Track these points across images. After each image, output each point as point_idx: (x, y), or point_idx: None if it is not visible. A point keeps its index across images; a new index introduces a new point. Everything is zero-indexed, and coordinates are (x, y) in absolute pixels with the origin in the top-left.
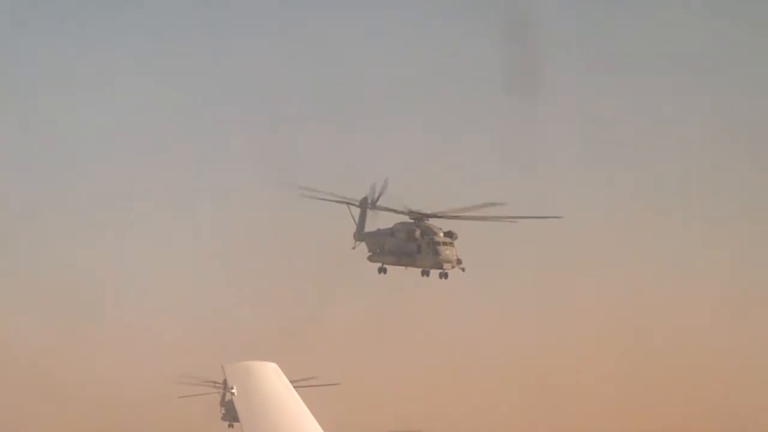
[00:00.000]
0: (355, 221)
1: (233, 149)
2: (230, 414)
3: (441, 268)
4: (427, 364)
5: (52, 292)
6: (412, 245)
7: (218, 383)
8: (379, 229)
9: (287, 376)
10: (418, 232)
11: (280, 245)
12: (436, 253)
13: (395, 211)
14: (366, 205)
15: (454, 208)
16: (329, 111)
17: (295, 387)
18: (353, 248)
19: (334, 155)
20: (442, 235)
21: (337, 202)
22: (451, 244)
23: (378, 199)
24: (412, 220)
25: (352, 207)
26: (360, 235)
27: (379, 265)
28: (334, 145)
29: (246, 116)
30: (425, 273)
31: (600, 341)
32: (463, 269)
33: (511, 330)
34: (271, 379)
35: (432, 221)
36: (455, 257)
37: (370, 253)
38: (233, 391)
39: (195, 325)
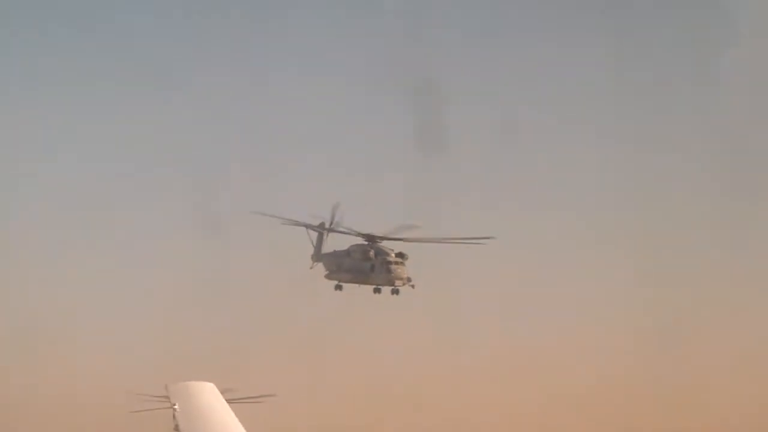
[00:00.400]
0: (312, 244)
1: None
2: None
3: (393, 284)
4: (371, 377)
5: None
6: (366, 264)
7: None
8: (335, 251)
9: (233, 390)
10: (372, 252)
11: (237, 267)
12: (389, 271)
13: (352, 233)
14: (323, 228)
15: (399, 229)
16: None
17: (235, 401)
18: (311, 268)
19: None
20: (393, 255)
21: (296, 225)
22: (402, 263)
23: (332, 223)
24: (367, 242)
25: (309, 230)
26: (317, 256)
27: (336, 282)
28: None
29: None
30: (377, 290)
31: (540, 361)
32: (412, 286)
33: (453, 346)
34: (209, 397)
35: (384, 243)
36: (406, 275)
37: (327, 272)
38: (176, 407)
39: (148, 344)
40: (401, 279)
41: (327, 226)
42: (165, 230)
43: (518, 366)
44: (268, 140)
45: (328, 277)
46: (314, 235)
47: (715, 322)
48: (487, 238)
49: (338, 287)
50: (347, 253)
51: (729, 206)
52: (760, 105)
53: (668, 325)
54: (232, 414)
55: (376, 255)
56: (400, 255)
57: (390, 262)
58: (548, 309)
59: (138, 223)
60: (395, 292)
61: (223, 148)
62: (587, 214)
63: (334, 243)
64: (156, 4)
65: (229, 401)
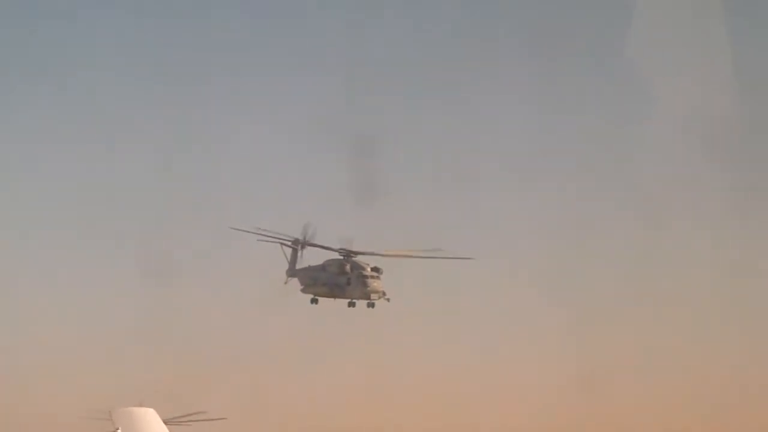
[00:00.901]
0: (287, 259)
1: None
2: None
3: (369, 298)
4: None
5: None
6: (342, 278)
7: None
8: (309, 266)
9: (184, 410)
10: (348, 267)
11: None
12: (365, 285)
13: (329, 249)
14: (298, 244)
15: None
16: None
17: (185, 422)
18: (285, 283)
19: None
20: (369, 269)
21: (272, 240)
22: (378, 277)
23: (305, 239)
24: (342, 257)
25: (284, 247)
26: (292, 271)
27: (311, 296)
28: None
29: None
30: (351, 304)
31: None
32: (388, 299)
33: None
34: (149, 422)
35: (359, 258)
36: (381, 289)
37: (303, 286)
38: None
39: (97, 371)
40: (377, 292)
41: (301, 242)
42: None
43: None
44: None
45: (304, 291)
46: (288, 251)
47: (639, 369)
48: (468, 258)
49: (314, 301)
50: (323, 267)
51: (655, 249)
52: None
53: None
54: None
55: (352, 269)
56: (375, 269)
57: (366, 276)
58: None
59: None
60: (371, 305)
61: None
62: (521, 259)
63: (309, 259)
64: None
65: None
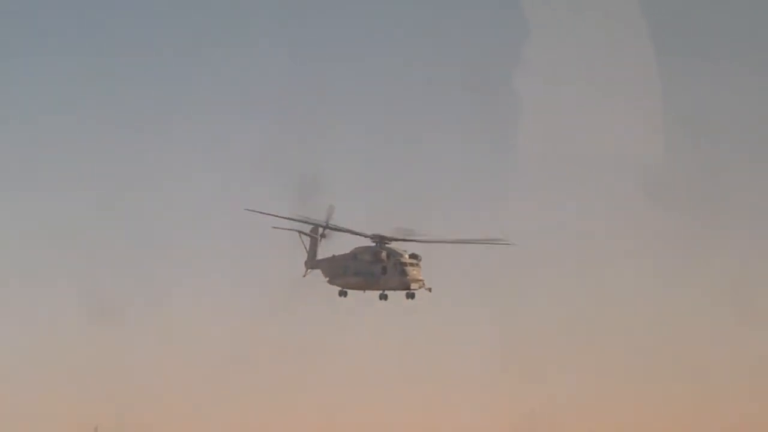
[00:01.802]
0: (305, 249)
1: None
2: None
3: (408, 288)
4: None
5: None
6: (377, 267)
7: None
8: (334, 255)
9: None
10: (383, 254)
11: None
12: (404, 273)
13: (359, 234)
14: (318, 232)
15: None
16: None
17: None
18: (304, 276)
19: None
20: (407, 256)
21: (288, 230)
22: (417, 265)
23: (327, 226)
24: (375, 244)
25: (302, 236)
26: (312, 262)
27: (339, 289)
28: None
29: None
30: (383, 297)
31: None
32: (429, 289)
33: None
34: None
35: (393, 244)
36: (421, 277)
37: (329, 278)
38: None
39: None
40: (417, 281)
41: (322, 229)
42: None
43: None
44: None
45: (332, 282)
46: (307, 240)
47: None
48: (506, 243)
49: (343, 293)
50: (353, 256)
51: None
52: None
53: None
54: None
55: (387, 256)
56: (414, 256)
57: (404, 264)
58: None
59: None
60: (411, 296)
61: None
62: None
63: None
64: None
65: None
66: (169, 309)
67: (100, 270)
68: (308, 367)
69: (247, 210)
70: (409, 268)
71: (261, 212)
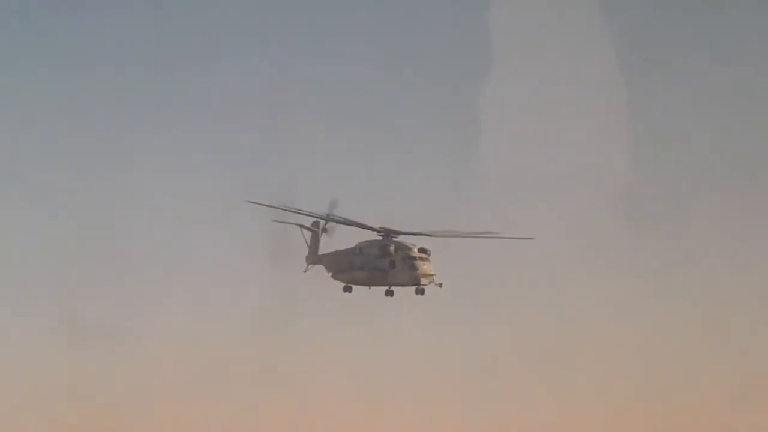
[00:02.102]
0: (307, 244)
1: None
2: None
3: (418, 283)
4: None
5: None
6: (384, 261)
7: None
8: (337, 250)
9: None
10: (392, 247)
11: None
12: (413, 267)
13: (365, 227)
14: (318, 227)
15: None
16: None
17: None
18: (305, 272)
19: None
20: (416, 250)
21: (288, 223)
22: (428, 259)
23: (328, 220)
24: (382, 237)
25: (303, 230)
26: (314, 257)
27: (344, 285)
28: None
29: None
30: (389, 293)
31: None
32: (440, 285)
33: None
34: None
35: (401, 238)
36: (432, 272)
37: (332, 272)
38: None
39: None
40: (427, 276)
41: (324, 223)
42: None
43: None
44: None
45: (335, 277)
46: (308, 235)
47: None
48: (528, 238)
49: (347, 289)
50: (358, 250)
51: None
52: None
53: None
54: None
55: (396, 250)
56: (423, 250)
57: (413, 258)
58: None
59: None
60: (420, 291)
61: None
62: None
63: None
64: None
65: None
66: (164, 310)
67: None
68: (311, 365)
69: (249, 201)
70: (418, 263)
71: (262, 204)
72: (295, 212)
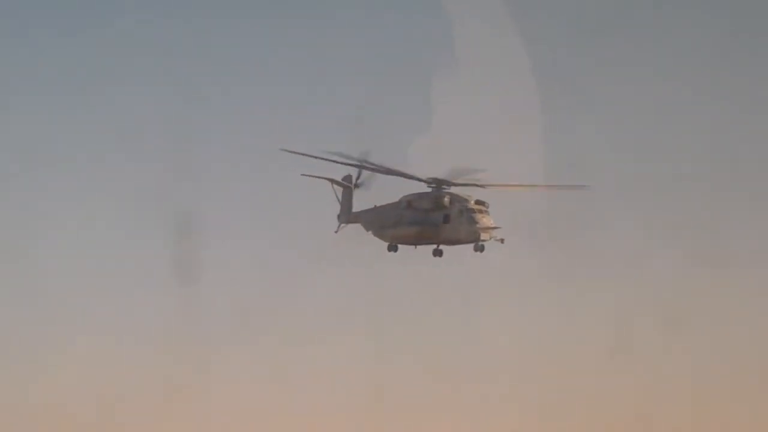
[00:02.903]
0: (338, 200)
1: None
2: None
3: (477, 239)
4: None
5: None
6: (437, 215)
7: None
8: (375, 206)
9: None
10: (447, 199)
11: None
12: (472, 221)
13: (412, 178)
14: (350, 181)
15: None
16: None
17: None
18: (336, 232)
19: None
20: (473, 202)
21: (318, 178)
22: (487, 211)
23: (360, 175)
24: (432, 189)
25: (334, 185)
26: (347, 215)
27: (388, 243)
28: None
29: None
30: (438, 253)
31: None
32: (502, 240)
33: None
34: None
35: (453, 190)
36: (492, 225)
37: (372, 230)
38: None
39: None
40: (488, 231)
41: (357, 177)
42: None
43: None
44: None
45: (378, 235)
46: (339, 190)
47: None
48: (582, 186)
49: (392, 248)
50: (405, 203)
51: None
52: None
53: None
54: None
55: (451, 202)
56: (480, 202)
57: (472, 210)
58: None
59: None
60: (480, 248)
61: None
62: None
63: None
64: None
65: None
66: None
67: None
68: (357, 335)
69: (283, 150)
70: (478, 215)
71: (297, 153)
72: (334, 162)
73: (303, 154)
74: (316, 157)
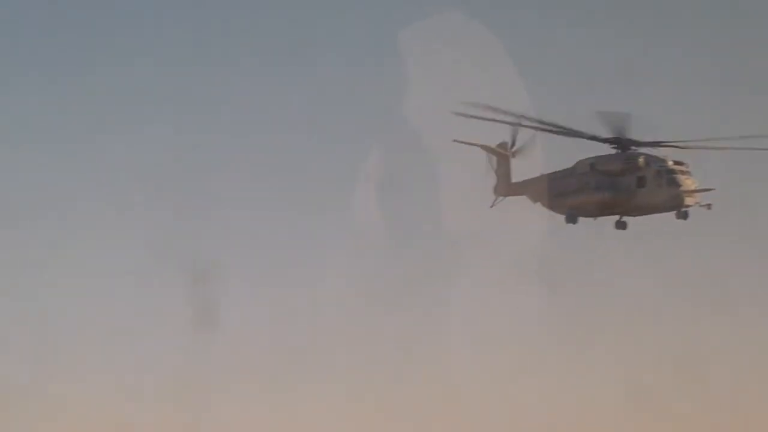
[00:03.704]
0: (493, 169)
1: None
2: None
3: (681, 204)
4: None
5: None
6: (629, 179)
7: None
8: (545, 173)
9: None
10: (641, 159)
11: None
12: (674, 183)
13: (588, 138)
14: (506, 148)
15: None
16: None
17: None
18: (492, 206)
19: None
20: (672, 163)
21: (472, 144)
22: (690, 173)
23: (514, 141)
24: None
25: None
26: (506, 187)
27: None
28: None
29: None
30: (621, 225)
31: None
32: (708, 206)
33: None
34: None
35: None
36: (696, 187)
37: (541, 202)
38: None
39: None
40: (693, 195)
41: (511, 144)
42: None
43: None
44: None
45: (552, 206)
46: (494, 160)
47: None
48: None
49: (571, 219)
50: (588, 167)
51: None
52: None
53: None
54: None
55: (647, 163)
56: (680, 163)
57: (672, 171)
58: None
59: None
60: (683, 215)
61: None
62: None
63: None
64: None
65: None
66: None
67: None
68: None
69: (456, 114)
70: (680, 177)
71: (472, 116)
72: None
73: (478, 118)
74: (493, 121)
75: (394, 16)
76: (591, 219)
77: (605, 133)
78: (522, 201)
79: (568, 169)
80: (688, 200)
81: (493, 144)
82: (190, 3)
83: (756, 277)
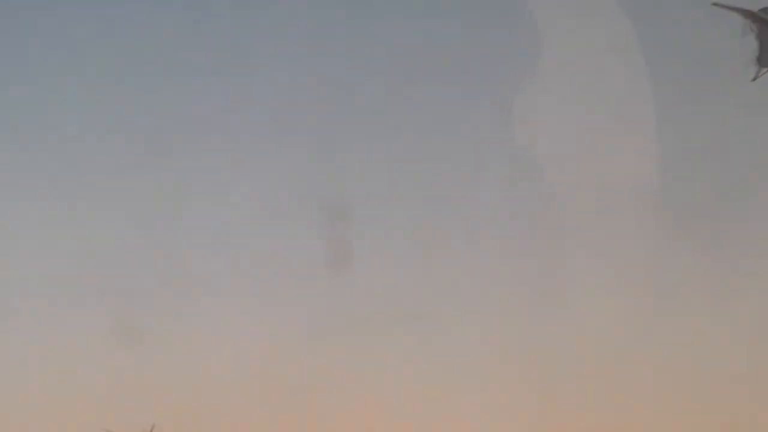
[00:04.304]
0: (756, 37)
1: None
2: None
3: None
4: None
5: None
6: None
7: None
8: None
9: None
10: None
11: None
12: None
13: None
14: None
15: None
16: None
17: None
18: (753, 80)
19: None
20: None
21: (732, 9)
22: None
23: None
24: None
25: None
26: None
27: None
28: None
29: None
30: None
31: None
32: None
33: None
34: None
35: None
36: None
37: None
38: None
39: None
40: None
41: None
42: None
43: None
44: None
45: None
46: (756, 26)
47: None
48: None
49: None
50: None
51: None
52: None
53: None
54: None
55: None
56: None
57: None
58: None
59: None
60: None
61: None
62: None
63: None
64: None
65: None
66: None
67: None
68: None
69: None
70: None
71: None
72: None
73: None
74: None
75: None
76: None
77: None
78: None
79: None
80: None
81: (755, 8)
82: None
83: None
